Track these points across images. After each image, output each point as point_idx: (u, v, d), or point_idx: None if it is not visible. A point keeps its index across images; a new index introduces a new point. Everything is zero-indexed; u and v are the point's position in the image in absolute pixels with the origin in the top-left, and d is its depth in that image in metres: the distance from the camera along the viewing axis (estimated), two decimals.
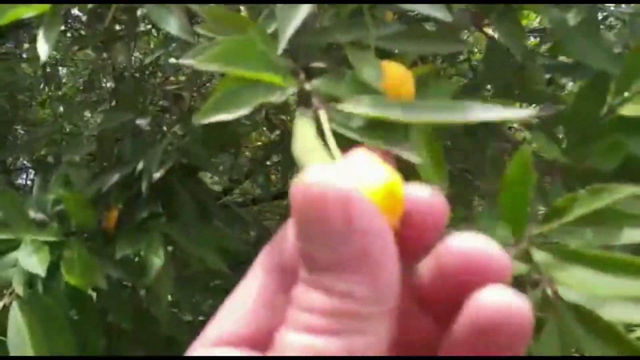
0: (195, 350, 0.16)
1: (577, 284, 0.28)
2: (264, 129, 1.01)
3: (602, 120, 0.39)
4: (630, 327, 0.42)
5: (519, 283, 0.38)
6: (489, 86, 0.60)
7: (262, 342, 0.15)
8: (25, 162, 1.17)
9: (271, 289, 0.16)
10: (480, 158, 0.63)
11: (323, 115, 0.26)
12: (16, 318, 0.52)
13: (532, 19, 0.73)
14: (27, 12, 0.43)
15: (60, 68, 1.23)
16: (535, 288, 0.34)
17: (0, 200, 0.60)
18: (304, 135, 0.25)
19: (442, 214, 0.16)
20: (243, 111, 0.31)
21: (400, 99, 0.32)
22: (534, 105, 0.66)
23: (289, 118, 0.89)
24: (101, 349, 0.61)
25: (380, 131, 0.25)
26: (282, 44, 0.34)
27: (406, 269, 0.16)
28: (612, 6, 0.54)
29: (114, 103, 0.95)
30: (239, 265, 0.79)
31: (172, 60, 0.98)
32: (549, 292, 0.33)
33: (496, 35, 0.53)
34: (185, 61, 0.36)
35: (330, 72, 0.34)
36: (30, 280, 0.55)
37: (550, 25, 0.47)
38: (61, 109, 1.29)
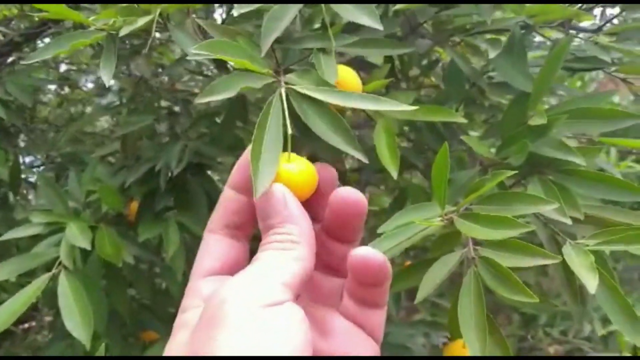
0: (193, 281, 0.33)
1: (479, 234, 0.44)
2: None
3: (521, 128, 0.56)
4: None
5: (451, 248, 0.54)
6: None
7: (227, 270, 0.33)
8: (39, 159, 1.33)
9: (225, 239, 0.34)
10: None
11: (283, 92, 0.40)
12: (64, 285, 0.68)
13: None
14: (88, 42, 0.60)
15: (73, 72, 1.40)
16: (462, 249, 0.51)
17: (45, 191, 0.77)
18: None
19: (334, 184, 0.34)
20: (230, 93, 0.44)
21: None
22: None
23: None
24: (126, 316, 0.78)
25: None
26: (264, 48, 0.49)
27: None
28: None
29: (128, 106, 1.12)
30: None
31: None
32: (471, 250, 0.50)
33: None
34: (190, 51, 0.52)
35: (300, 70, 0.49)
36: (72, 256, 0.71)
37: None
38: (72, 110, 1.46)
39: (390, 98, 0.62)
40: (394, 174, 0.53)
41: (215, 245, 0.33)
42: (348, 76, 0.53)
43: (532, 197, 0.48)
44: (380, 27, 0.48)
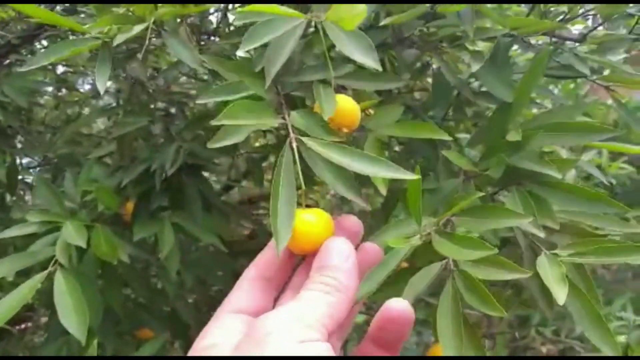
0: (219, 315, 0.39)
1: (452, 253, 0.46)
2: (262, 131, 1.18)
3: (499, 142, 0.58)
4: None
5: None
6: None
7: (255, 313, 0.38)
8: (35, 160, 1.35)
9: (256, 287, 0.40)
10: (436, 161, 0.82)
11: (294, 147, 0.44)
12: (60, 283, 0.70)
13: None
14: (84, 49, 0.62)
15: (70, 74, 1.42)
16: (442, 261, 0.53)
17: (41, 190, 0.79)
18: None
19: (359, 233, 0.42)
20: (239, 138, 0.48)
21: (346, 122, 0.51)
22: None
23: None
24: (121, 314, 0.81)
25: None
26: (269, 79, 0.51)
27: None
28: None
29: (124, 108, 1.14)
30: (236, 254, 0.98)
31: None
32: (451, 263, 0.52)
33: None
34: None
35: (302, 110, 0.51)
36: (68, 254, 0.74)
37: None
38: (69, 111, 1.48)
39: (380, 110, 0.63)
40: (383, 191, 0.55)
41: (249, 290, 0.40)
42: (347, 106, 0.54)
43: (508, 211, 0.50)
44: (378, 66, 0.49)
